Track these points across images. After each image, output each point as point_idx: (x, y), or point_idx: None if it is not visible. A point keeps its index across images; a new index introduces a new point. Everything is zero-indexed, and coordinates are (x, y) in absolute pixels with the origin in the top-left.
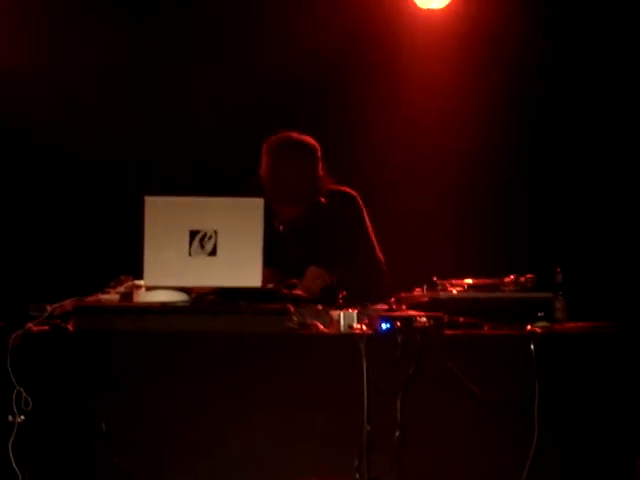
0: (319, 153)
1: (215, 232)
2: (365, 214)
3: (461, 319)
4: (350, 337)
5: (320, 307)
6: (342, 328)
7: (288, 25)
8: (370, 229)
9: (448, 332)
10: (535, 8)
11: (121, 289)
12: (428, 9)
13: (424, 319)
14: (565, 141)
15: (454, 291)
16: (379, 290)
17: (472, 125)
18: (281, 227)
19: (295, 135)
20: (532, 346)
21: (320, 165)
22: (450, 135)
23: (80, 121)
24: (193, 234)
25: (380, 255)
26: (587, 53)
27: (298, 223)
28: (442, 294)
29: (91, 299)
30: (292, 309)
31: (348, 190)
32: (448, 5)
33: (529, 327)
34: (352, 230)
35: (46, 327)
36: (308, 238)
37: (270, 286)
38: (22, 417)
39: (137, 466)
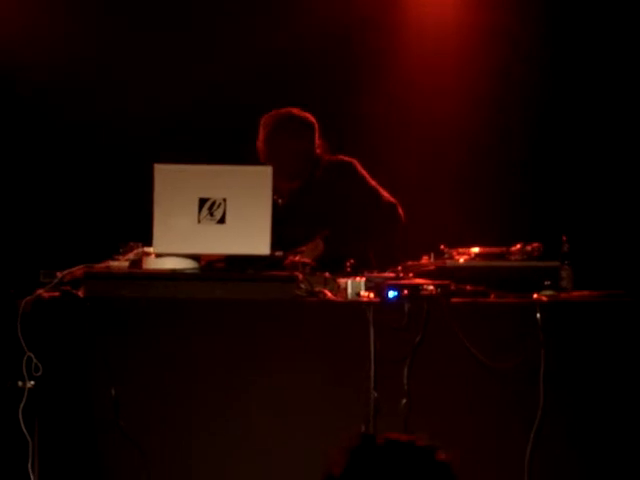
0: (316, 128)
1: (224, 200)
2: (365, 174)
3: (468, 287)
4: (357, 305)
5: (328, 275)
6: (349, 296)
7: (291, 6)
8: (373, 184)
9: (455, 300)
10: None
11: (130, 256)
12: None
13: (431, 287)
14: (572, 114)
15: (461, 260)
16: (398, 233)
17: (479, 100)
18: (279, 201)
19: (292, 110)
20: (538, 314)
21: (316, 140)
22: (457, 108)
23: (90, 91)
24: (202, 202)
25: (391, 199)
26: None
27: (296, 197)
28: (449, 262)
29: (101, 266)
30: (300, 276)
31: (344, 158)
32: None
33: (535, 295)
34: (355, 192)
35: (56, 293)
36: (307, 211)
37: (278, 254)
38: (32, 382)
39: (144, 432)
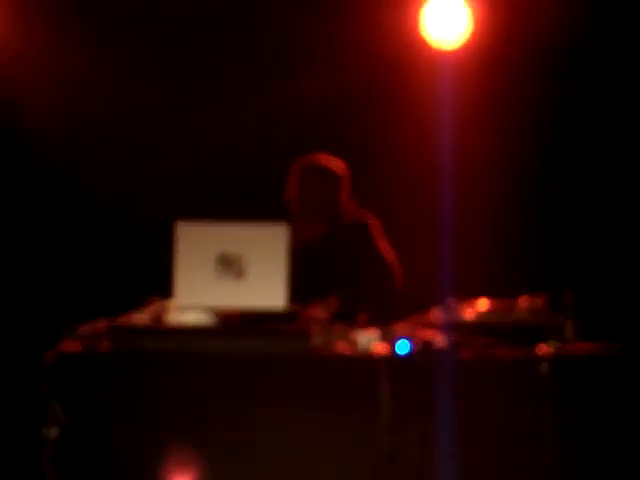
0: (346, 176)
1: (242, 256)
2: (378, 237)
3: (477, 341)
4: (370, 358)
5: (341, 327)
6: (361, 349)
7: (305, 59)
8: (383, 250)
9: (463, 354)
10: (552, 52)
11: (152, 309)
12: (441, 49)
13: (441, 341)
14: (576, 162)
15: (468, 314)
16: (394, 307)
17: (484, 150)
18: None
19: (324, 157)
20: (543, 368)
21: (345, 189)
22: (462, 156)
23: (116, 140)
24: (221, 258)
25: (392, 270)
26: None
27: (320, 242)
28: (457, 317)
29: (123, 319)
30: (314, 330)
31: (366, 215)
32: (462, 45)
33: (541, 348)
34: (364, 253)
35: (79, 347)
36: (327, 258)
37: (295, 308)
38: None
39: None
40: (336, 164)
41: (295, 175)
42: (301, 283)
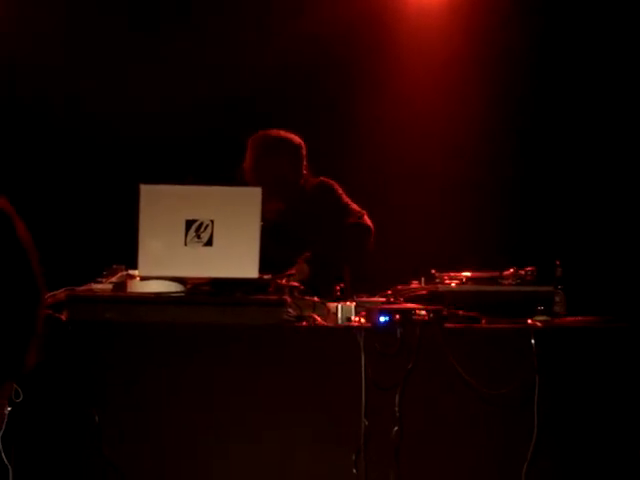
0: (303, 151)
1: (212, 222)
2: (341, 196)
3: (460, 312)
4: (348, 330)
5: (317, 299)
6: (340, 321)
7: (281, 20)
8: (346, 200)
9: (447, 325)
10: (530, 5)
11: (114, 279)
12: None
13: (423, 312)
14: (565, 134)
15: (453, 284)
16: (368, 241)
17: (471, 119)
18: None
19: (280, 132)
20: (532, 340)
21: (303, 163)
22: (449, 128)
23: (74, 110)
24: (189, 223)
25: (361, 213)
26: (583, 48)
27: (282, 217)
28: (441, 287)
29: (84, 289)
30: (289, 300)
31: (325, 180)
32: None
33: (529, 321)
34: (330, 211)
35: None
36: (293, 231)
37: (266, 277)
38: (9, 408)
39: (128, 458)
40: (293, 138)
41: (253, 150)
42: (273, 259)
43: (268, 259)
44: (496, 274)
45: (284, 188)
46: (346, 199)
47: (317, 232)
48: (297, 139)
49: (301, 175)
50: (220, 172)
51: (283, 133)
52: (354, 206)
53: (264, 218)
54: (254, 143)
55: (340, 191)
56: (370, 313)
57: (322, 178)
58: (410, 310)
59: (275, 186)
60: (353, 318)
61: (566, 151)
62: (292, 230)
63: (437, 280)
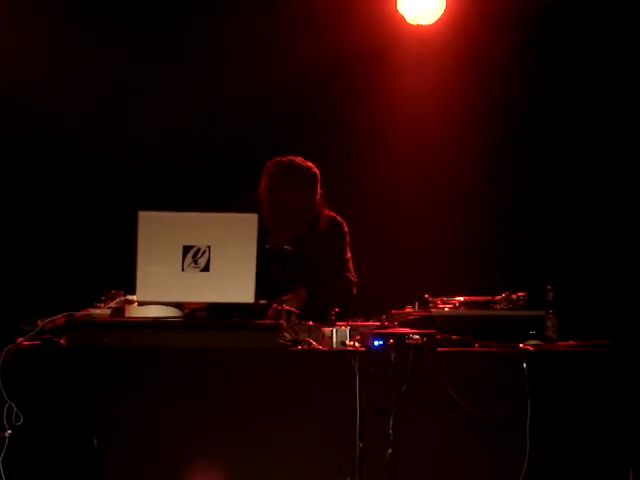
0: (319, 180)
1: (208, 247)
2: (346, 240)
3: (453, 337)
4: (343, 354)
5: (312, 323)
6: (334, 345)
7: (279, 43)
8: (348, 254)
9: (440, 349)
10: (524, 23)
11: (112, 304)
12: (418, 25)
13: (417, 336)
14: (559, 160)
15: (446, 308)
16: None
17: (462, 142)
18: (267, 246)
19: (298, 160)
20: (525, 364)
21: (318, 192)
22: (441, 152)
23: (74, 137)
24: (186, 249)
25: (352, 277)
26: (582, 64)
27: (293, 246)
28: (434, 311)
29: (82, 314)
30: (284, 325)
31: (335, 217)
32: (437, 21)
33: (521, 345)
34: (332, 254)
35: (37, 342)
36: (295, 260)
37: (262, 302)
38: (9, 432)
39: None
40: (309, 167)
41: (269, 177)
42: (272, 282)
43: (270, 283)
44: (488, 299)
45: (297, 215)
46: (349, 253)
47: (316, 267)
48: (313, 168)
49: (315, 204)
50: (226, 198)
51: (299, 160)
52: (351, 264)
53: (274, 243)
54: (270, 169)
55: (347, 238)
56: (364, 337)
57: (335, 215)
58: (404, 334)
59: (288, 212)
60: (348, 342)
61: (557, 175)
62: (297, 257)
63: (430, 305)
